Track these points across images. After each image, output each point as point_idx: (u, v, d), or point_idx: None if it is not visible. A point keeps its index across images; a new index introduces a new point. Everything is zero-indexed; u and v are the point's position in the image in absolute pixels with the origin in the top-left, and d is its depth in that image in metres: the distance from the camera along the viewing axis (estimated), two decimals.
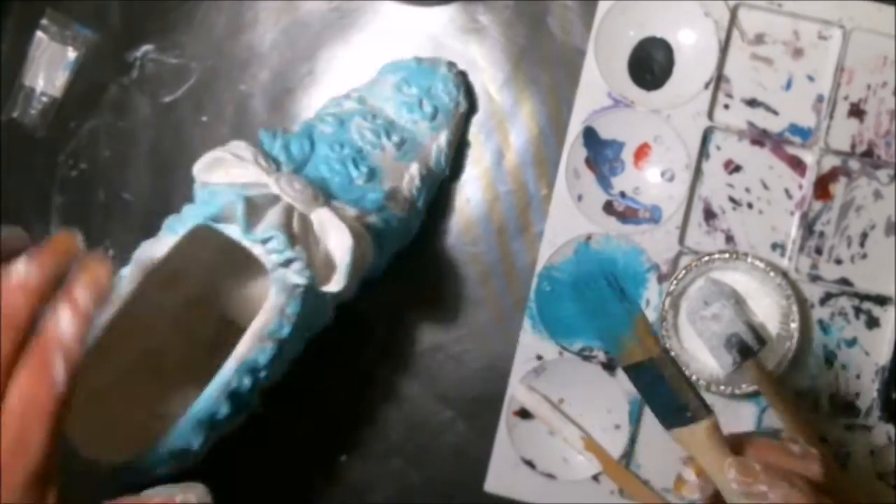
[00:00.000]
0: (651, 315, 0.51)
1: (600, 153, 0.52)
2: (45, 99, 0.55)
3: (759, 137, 0.52)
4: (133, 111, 0.56)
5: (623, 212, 0.52)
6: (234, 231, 0.42)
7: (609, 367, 0.51)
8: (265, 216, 0.42)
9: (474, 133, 0.53)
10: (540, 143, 0.54)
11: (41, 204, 0.56)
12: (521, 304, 0.53)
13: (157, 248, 0.44)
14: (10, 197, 0.56)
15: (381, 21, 0.55)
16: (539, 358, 0.51)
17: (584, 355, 0.51)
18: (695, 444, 0.37)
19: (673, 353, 0.50)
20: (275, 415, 0.54)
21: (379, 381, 0.55)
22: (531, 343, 0.52)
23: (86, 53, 0.56)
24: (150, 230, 0.48)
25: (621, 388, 0.51)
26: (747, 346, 0.48)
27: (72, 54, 0.56)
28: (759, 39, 0.52)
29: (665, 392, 0.37)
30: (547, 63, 0.54)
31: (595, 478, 0.51)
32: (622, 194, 0.52)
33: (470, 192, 0.54)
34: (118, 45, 0.56)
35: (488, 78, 0.54)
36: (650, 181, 0.52)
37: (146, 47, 0.56)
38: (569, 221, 0.52)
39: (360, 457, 0.55)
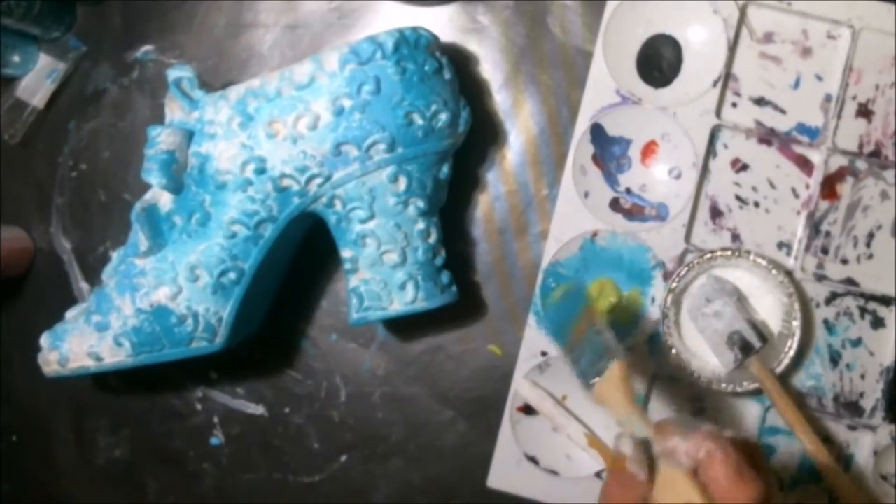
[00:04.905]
0: (654, 312, 0.54)
1: (607, 150, 0.55)
2: (31, 111, 0.59)
3: (767, 136, 0.55)
4: (133, 111, 0.59)
5: (629, 209, 0.55)
6: None
7: None
8: None
9: (474, 133, 0.55)
10: (539, 143, 0.56)
11: (41, 204, 0.60)
12: (520, 304, 0.56)
13: None
14: (11, 197, 0.60)
15: (381, 21, 0.58)
16: (543, 354, 0.54)
17: None
18: (608, 390, 0.42)
19: (674, 351, 0.53)
20: (275, 415, 0.58)
21: (379, 381, 0.58)
22: (536, 339, 0.54)
23: (75, 66, 0.59)
24: None
25: None
26: (749, 344, 0.51)
27: (61, 66, 0.59)
28: (768, 38, 0.55)
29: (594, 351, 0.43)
30: (547, 63, 0.56)
31: (598, 475, 0.54)
32: (629, 191, 0.55)
33: (469, 193, 0.57)
34: (118, 46, 0.59)
35: (488, 78, 0.57)
36: (657, 178, 0.55)
37: (146, 47, 0.59)
38: (575, 218, 0.54)
39: (360, 457, 0.58)
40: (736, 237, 0.55)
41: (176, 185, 0.51)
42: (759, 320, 0.54)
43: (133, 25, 0.59)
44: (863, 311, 0.55)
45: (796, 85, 0.55)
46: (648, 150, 0.56)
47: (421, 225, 0.52)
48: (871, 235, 0.55)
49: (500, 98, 0.57)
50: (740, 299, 0.53)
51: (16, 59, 0.59)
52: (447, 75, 0.52)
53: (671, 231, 0.55)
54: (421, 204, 0.52)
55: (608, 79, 0.55)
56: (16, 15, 0.56)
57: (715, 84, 0.54)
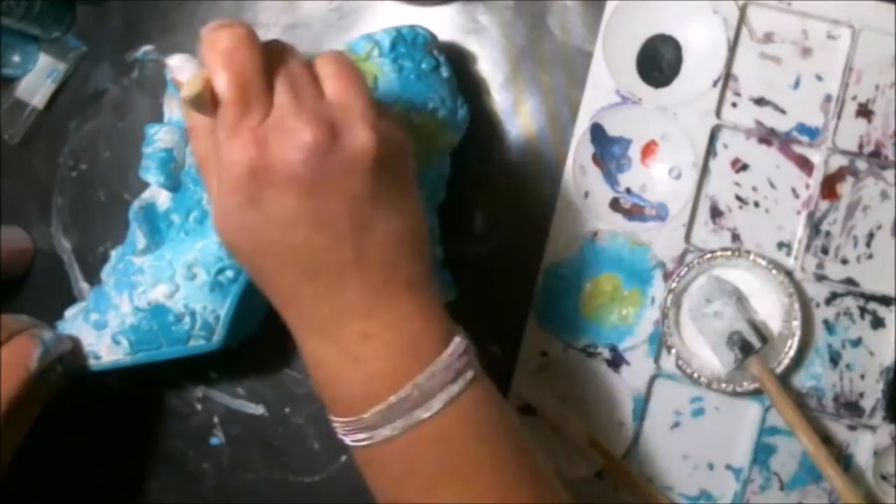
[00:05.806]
0: (654, 312, 0.55)
1: (607, 150, 0.56)
2: (31, 111, 0.59)
3: (767, 136, 0.55)
4: (133, 111, 0.59)
5: (629, 209, 0.56)
6: None
7: (613, 363, 0.55)
8: None
9: (474, 132, 0.56)
10: (539, 143, 0.57)
11: (41, 204, 0.60)
12: (520, 304, 0.56)
13: None
14: (11, 197, 0.60)
15: (381, 21, 0.58)
16: (544, 354, 0.55)
17: (589, 352, 0.55)
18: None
19: (675, 350, 0.54)
20: (275, 415, 0.59)
21: None
22: (536, 339, 0.55)
23: (75, 66, 0.60)
24: None
25: (625, 385, 0.55)
26: (749, 344, 0.52)
27: (61, 66, 0.59)
28: (768, 38, 0.55)
29: None
30: (547, 63, 0.57)
31: (598, 475, 0.55)
32: (629, 191, 0.56)
33: (469, 192, 0.57)
34: (118, 46, 0.60)
35: (488, 78, 0.57)
36: (657, 178, 0.56)
37: (146, 47, 0.59)
38: (575, 218, 0.55)
39: None
40: (736, 237, 0.56)
41: (174, 183, 0.52)
42: (759, 320, 0.54)
43: (133, 25, 0.60)
44: (863, 311, 0.55)
45: (796, 85, 0.56)
46: (648, 150, 0.56)
47: None
48: (871, 235, 0.55)
49: (501, 98, 0.58)
50: (740, 299, 0.54)
51: (16, 59, 0.59)
52: (445, 73, 0.52)
53: (671, 231, 0.55)
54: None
55: (608, 79, 0.55)
56: (16, 15, 0.56)
57: (715, 84, 0.55)
